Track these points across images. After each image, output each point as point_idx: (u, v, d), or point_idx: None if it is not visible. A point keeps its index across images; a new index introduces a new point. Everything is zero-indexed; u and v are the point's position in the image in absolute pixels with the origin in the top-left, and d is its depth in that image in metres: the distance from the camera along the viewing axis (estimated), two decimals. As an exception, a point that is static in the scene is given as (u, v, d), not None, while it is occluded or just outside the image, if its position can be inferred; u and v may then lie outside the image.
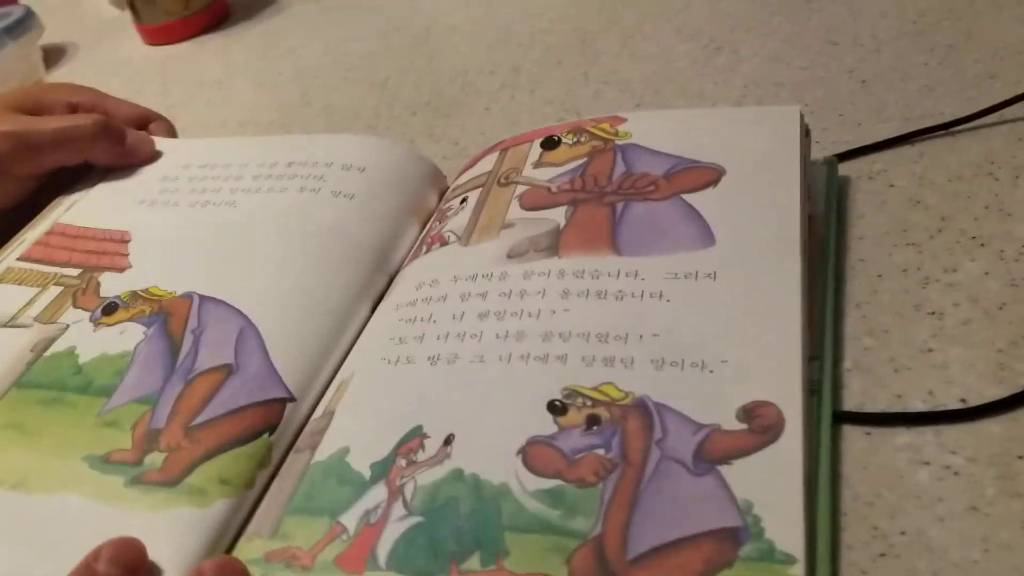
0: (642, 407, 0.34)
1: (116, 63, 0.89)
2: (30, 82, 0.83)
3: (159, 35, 0.89)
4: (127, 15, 0.90)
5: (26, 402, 0.40)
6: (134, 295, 0.45)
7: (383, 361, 0.39)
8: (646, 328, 0.37)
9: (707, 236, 0.40)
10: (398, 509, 0.33)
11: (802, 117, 0.44)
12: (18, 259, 0.50)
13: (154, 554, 0.33)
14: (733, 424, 0.33)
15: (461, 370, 0.37)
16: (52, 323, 0.44)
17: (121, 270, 0.47)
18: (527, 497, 0.32)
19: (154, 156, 0.57)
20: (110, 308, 0.44)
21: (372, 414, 0.37)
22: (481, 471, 0.33)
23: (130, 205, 0.53)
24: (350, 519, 0.33)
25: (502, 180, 0.47)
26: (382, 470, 0.34)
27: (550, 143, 0.48)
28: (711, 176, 0.43)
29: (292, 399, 0.39)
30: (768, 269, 0.38)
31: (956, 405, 0.34)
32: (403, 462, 0.34)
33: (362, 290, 0.44)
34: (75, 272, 0.47)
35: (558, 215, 0.43)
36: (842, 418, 0.35)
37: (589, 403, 0.35)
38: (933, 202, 0.44)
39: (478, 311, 0.40)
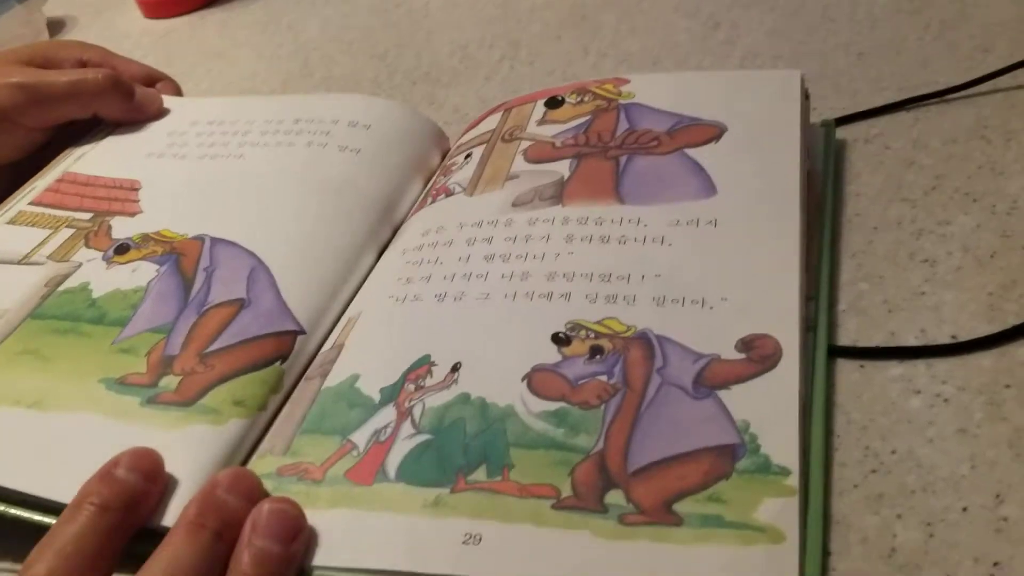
0: (644, 339, 0.35)
1: (116, 36, 0.89)
2: (36, 43, 0.84)
3: (159, 9, 0.88)
4: (127, -12, 0.90)
5: (41, 331, 0.41)
6: (145, 237, 0.46)
7: (391, 299, 0.40)
8: (648, 269, 0.38)
9: (709, 187, 0.41)
10: (407, 428, 0.34)
11: (803, 80, 0.46)
12: (30, 203, 0.50)
13: (170, 467, 0.33)
14: (732, 354, 0.34)
15: (468, 306, 0.38)
16: (65, 261, 0.45)
17: (132, 215, 0.48)
18: (532, 418, 0.33)
19: (162, 113, 0.58)
20: (122, 248, 0.45)
21: (381, 345, 0.38)
22: (487, 395, 0.34)
23: (138, 157, 0.53)
24: (360, 437, 0.34)
25: (506, 136, 0.48)
26: (391, 394, 0.35)
27: (554, 102, 0.49)
28: (713, 132, 0.44)
29: (303, 332, 0.40)
30: (768, 216, 0.39)
31: (947, 341, 0.35)
32: (411, 387, 0.35)
33: (368, 238, 0.45)
34: (86, 216, 0.48)
35: (562, 167, 0.45)
36: (837, 352, 0.36)
37: (592, 335, 0.36)
38: (928, 163, 0.45)
39: (484, 254, 0.41)
